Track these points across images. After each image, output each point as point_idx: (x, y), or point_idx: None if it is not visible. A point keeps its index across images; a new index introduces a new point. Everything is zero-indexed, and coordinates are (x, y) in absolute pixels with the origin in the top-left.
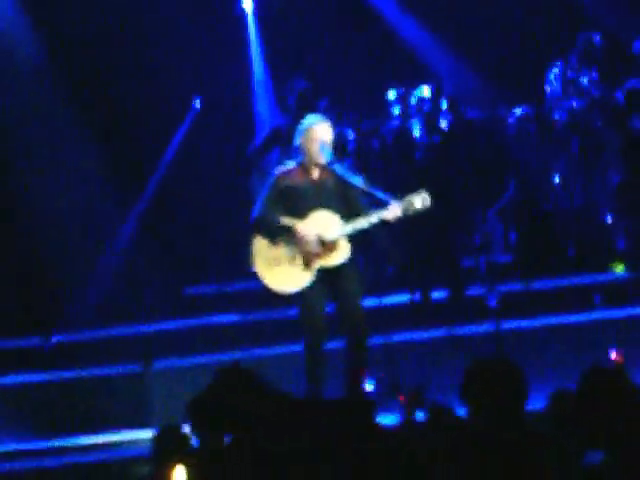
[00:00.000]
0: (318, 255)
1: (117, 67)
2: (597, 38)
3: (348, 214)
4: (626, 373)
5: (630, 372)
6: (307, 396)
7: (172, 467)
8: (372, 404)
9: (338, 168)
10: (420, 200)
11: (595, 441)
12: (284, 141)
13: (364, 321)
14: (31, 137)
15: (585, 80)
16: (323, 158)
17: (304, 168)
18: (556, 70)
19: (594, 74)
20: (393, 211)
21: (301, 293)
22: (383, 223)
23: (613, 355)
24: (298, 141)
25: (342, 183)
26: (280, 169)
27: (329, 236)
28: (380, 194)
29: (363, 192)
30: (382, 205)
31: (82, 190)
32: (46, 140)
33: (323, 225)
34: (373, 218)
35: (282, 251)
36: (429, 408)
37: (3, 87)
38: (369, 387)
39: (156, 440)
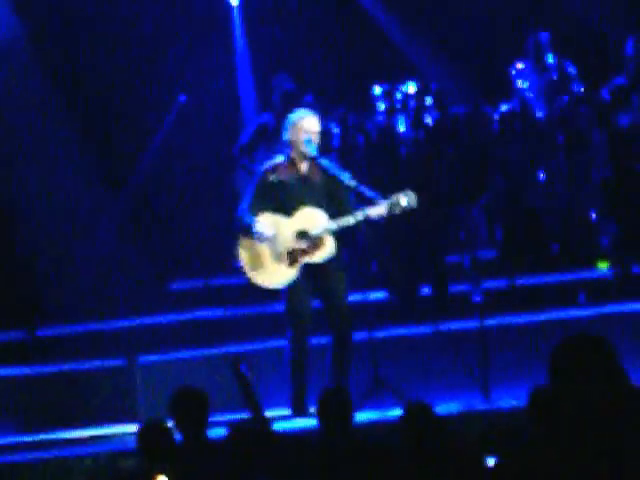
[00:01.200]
0: (303, 251)
1: (102, 58)
2: (545, 36)
3: (334, 210)
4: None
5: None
6: (291, 392)
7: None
8: (349, 404)
9: (325, 163)
10: (406, 199)
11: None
12: (269, 138)
13: (349, 317)
14: (16, 127)
15: (555, 76)
16: (310, 151)
17: (292, 162)
18: (521, 65)
19: (570, 69)
20: (379, 209)
21: (286, 288)
22: (368, 221)
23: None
24: (285, 135)
25: (329, 178)
26: (268, 164)
27: (315, 232)
28: (367, 191)
29: (350, 189)
30: (368, 202)
31: (66, 183)
32: (31, 131)
33: (309, 221)
34: (359, 215)
35: (268, 247)
36: (406, 405)
37: None
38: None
39: (140, 435)
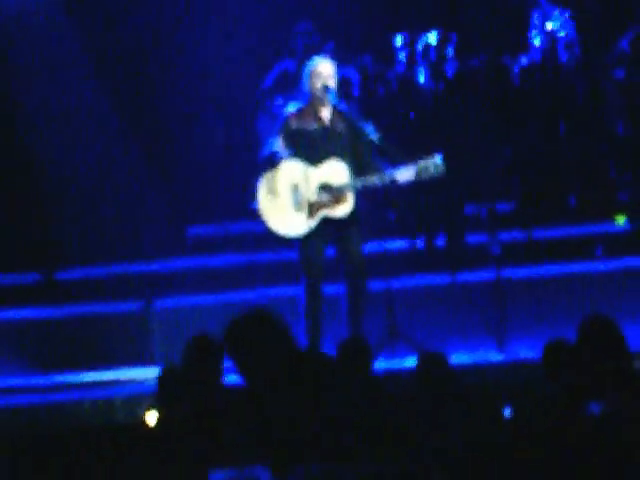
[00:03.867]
0: (324, 205)
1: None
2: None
3: (357, 161)
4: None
5: (629, 323)
6: (307, 340)
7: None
8: (369, 351)
9: (348, 111)
10: (435, 167)
11: (594, 392)
12: (291, 84)
13: (364, 266)
14: (36, 75)
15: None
16: (329, 98)
17: (313, 111)
18: (536, 21)
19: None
20: (406, 174)
21: (302, 237)
22: (393, 182)
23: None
24: (304, 84)
25: (353, 129)
26: (289, 110)
27: (338, 187)
28: (392, 151)
29: (373, 143)
30: (392, 158)
31: (83, 126)
32: (49, 76)
33: (334, 175)
34: (385, 177)
35: (289, 196)
36: (420, 355)
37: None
38: None
39: (159, 380)
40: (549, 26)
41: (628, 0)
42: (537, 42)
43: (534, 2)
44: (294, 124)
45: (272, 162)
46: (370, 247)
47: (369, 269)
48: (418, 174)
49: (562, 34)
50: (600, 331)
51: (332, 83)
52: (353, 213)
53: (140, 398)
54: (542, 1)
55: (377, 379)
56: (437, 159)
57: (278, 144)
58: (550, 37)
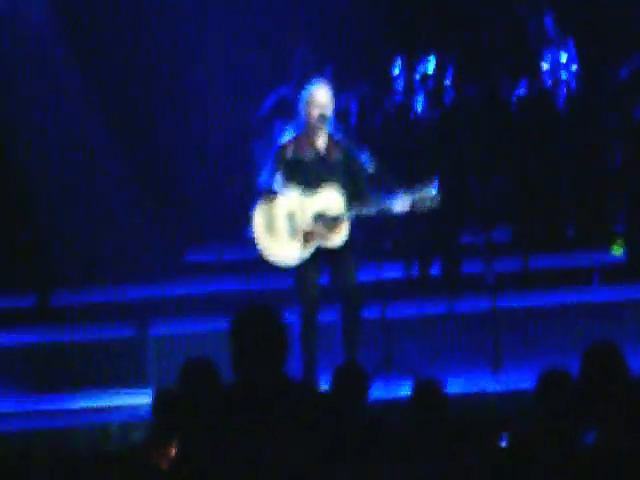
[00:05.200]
0: (319, 234)
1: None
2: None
3: (352, 191)
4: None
5: (626, 354)
6: (302, 367)
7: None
8: (365, 378)
9: (345, 141)
10: (430, 199)
11: (589, 421)
12: (288, 111)
13: (358, 294)
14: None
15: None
16: (324, 125)
17: (308, 139)
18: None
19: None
20: (402, 204)
21: (297, 265)
22: (388, 212)
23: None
24: (300, 111)
25: (348, 158)
26: (284, 139)
27: (333, 217)
28: (388, 179)
29: (367, 172)
30: (387, 187)
31: (83, 149)
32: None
33: (329, 204)
34: (381, 206)
35: (284, 224)
36: (415, 383)
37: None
38: None
39: (154, 404)
40: (563, 58)
41: (628, 29)
42: (546, 66)
43: (541, 34)
44: (289, 152)
45: (268, 192)
46: (365, 274)
47: (364, 296)
48: (413, 205)
49: (566, 63)
50: (605, 358)
51: (328, 111)
52: (348, 242)
53: (135, 424)
54: (549, 31)
55: (372, 407)
56: (432, 190)
57: (274, 176)
58: (555, 67)
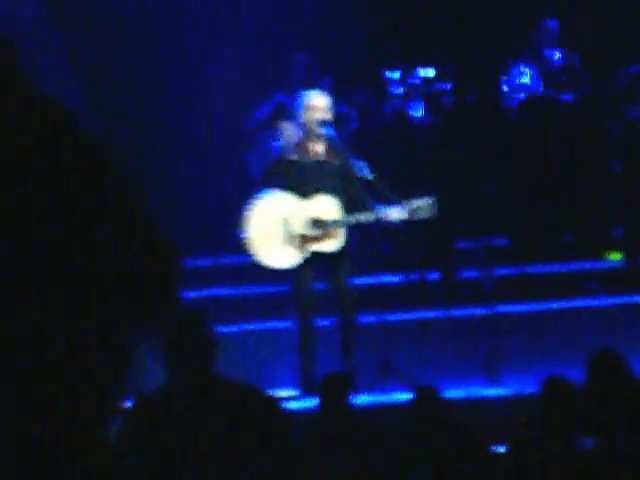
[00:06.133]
0: (315, 239)
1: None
2: (554, 25)
3: (349, 198)
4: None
5: (625, 360)
6: (301, 372)
7: None
8: (349, 383)
9: (342, 148)
10: (427, 209)
11: (589, 427)
12: (285, 118)
13: (354, 300)
14: None
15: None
16: (322, 130)
17: (306, 144)
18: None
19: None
20: (399, 214)
21: (292, 270)
22: (385, 221)
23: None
24: (298, 117)
25: (345, 164)
26: (283, 143)
27: (329, 222)
28: (385, 190)
29: (367, 182)
30: (384, 195)
31: None
32: None
33: (325, 209)
34: (377, 215)
35: (279, 228)
36: (416, 389)
37: None
38: None
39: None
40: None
41: (627, 36)
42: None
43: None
44: (286, 157)
45: (263, 194)
46: (364, 280)
47: (362, 303)
48: (410, 214)
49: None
50: (611, 365)
51: (327, 117)
52: (343, 248)
53: None
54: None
55: (357, 411)
56: (430, 200)
57: (272, 179)
58: (551, 74)
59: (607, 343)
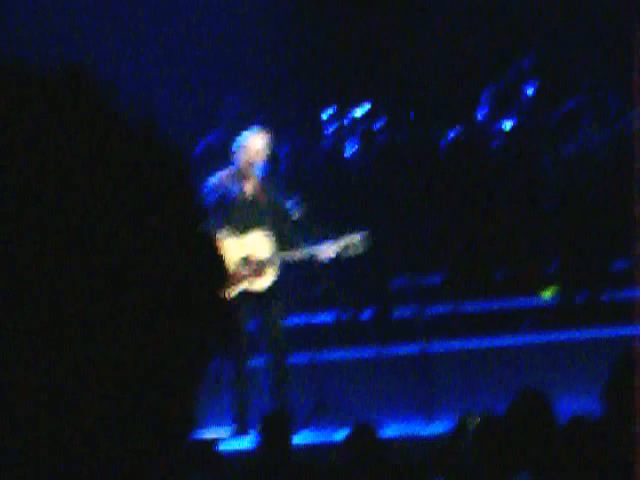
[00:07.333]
0: (244, 277)
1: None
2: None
3: (279, 236)
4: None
5: (557, 397)
6: (233, 413)
7: None
8: (289, 423)
9: (273, 187)
10: (359, 244)
11: (522, 463)
12: (217, 157)
13: (284, 340)
14: None
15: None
16: (256, 172)
17: (239, 180)
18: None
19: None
20: (327, 252)
21: None
22: (315, 259)
23: None
24: (232, 155)
25: (275, 203)
26: (215, 179)
27: (259, 261)
28: (315, 228)
29: (296, 220)
30: (314, 233)
31: None
32: None
33: (255, 248)
34: (306, 253)
35: None
36: (352, 426)
37: None
38: None
39: None
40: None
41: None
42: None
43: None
44: (217, 192)
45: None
46: (296, 320)
47: (295, 342)
48: (340, 251)
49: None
50: (530, 405)
51: (260, 157)
52: (275, 287)
53: None
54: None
55: (305, 451)
56: (361, 236)
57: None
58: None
59: (539, 380)
